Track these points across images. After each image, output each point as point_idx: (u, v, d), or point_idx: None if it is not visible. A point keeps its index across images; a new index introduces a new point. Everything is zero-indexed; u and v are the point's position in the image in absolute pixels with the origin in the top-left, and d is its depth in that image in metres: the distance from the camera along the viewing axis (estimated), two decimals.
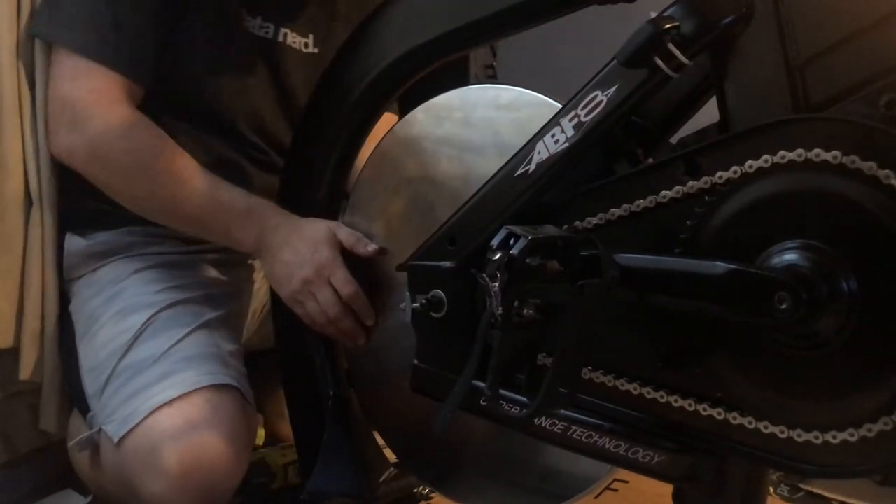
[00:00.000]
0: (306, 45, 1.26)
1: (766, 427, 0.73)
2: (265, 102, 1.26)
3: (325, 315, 1.06)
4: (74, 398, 1.17)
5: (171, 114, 1.18)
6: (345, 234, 1.06)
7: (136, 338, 1.11)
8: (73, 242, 1.20)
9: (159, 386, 1.05)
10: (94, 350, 1.14)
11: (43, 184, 1.15)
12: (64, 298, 1.21)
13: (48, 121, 1.12)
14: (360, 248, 1.06)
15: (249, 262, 1.33)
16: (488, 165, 0.92)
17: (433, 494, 1.19)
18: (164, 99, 1.18)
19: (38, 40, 1.14)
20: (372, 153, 1.11)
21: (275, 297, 1.19)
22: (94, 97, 1.10)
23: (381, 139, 1.10)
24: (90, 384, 1.12)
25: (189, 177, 1.10)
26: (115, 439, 1.04)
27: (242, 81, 1.22)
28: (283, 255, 1.07)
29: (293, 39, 1.25)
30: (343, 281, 1.05)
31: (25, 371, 1.17)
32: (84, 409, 1.14)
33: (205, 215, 1.11)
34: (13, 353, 1.18)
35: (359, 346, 1.08)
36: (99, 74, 1.10)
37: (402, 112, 1.12)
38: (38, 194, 1.15)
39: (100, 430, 1.08)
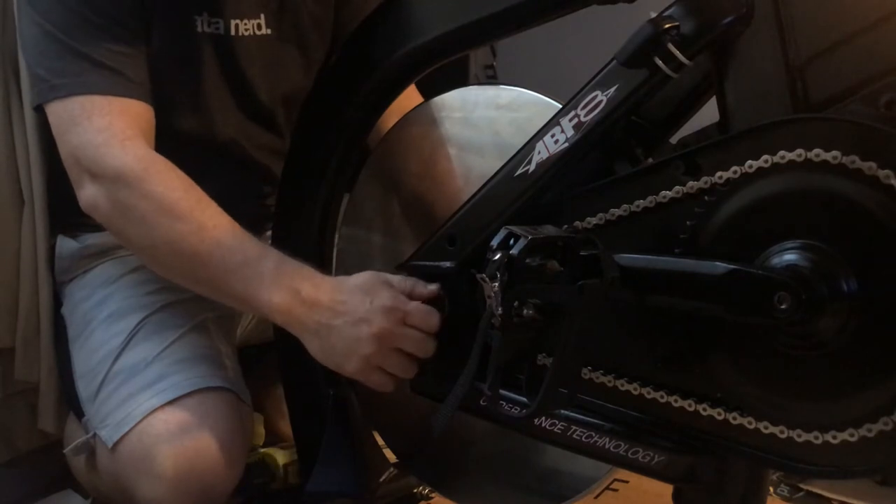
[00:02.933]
0: (258, 27, 1.17)
1: (766, 427, 0.73)
2: (225, 102, 1.19)
3: (415, 359, 0.91)
4: (69, 402, 1.17)
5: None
6: (397, 279, 0.92)
7: (128, 341, 1.10)
8: (65, 244, 1.20)
9: (152, 390, 1.05)
10: (87, 354, 1.13)
11: (34, 185, 1.15)
12: (56, 301, 1.21)
13: (71, 181, 1.04)
14: (421, 290, 0.92)
15: None
16: (488, 165, 0.92)
17: (433, 494, 1.19)
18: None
19: (21, 42, 1.12)
20: (373, 153, 1.11)
21: None
22: (104, 137, 1.00)
23: (382, 139, 1.10)
24: (83, 388, 1.12)
25: (217, 227, 0.98)
26: (110, 444, 1.04)
27: (201, 84, 1.16)
28: (329, 316, 0.92)
29: (245, 27, 1.15)
30: (424, 313, 0.90)
31: (21, 371, 1.17)
32: (79, 413, 1.13)
33: (230, 274, 0.96)
34: (12, 353, 1.18)
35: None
36: (102, 108, 1.01)
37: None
38: (30, 195, 1.15)
39: (94, 434, 1.08)
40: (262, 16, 1.17)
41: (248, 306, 1.00)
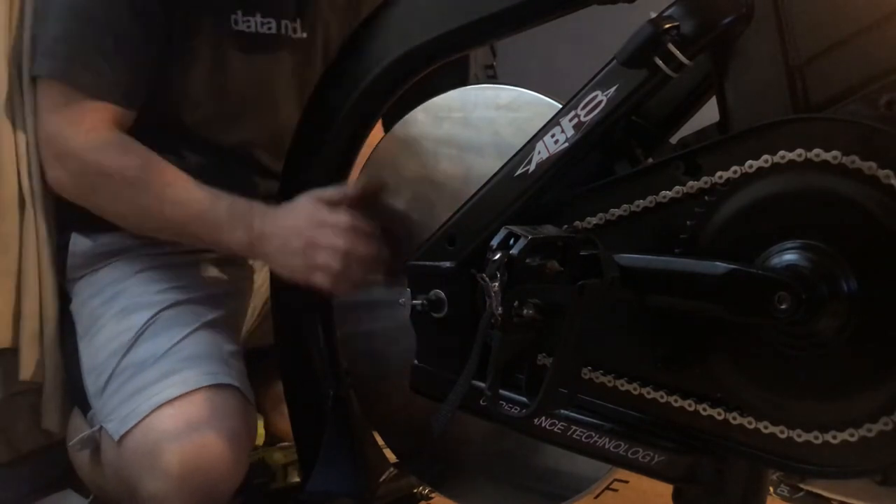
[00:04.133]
0: (294, 31, 1.23)
1: (766, 427, 0.73)
2: (250, 101, 1.23)
3: (340, 257, 1.02)
4: (75, 397, 1.17)
5: (162, 129, 1.17)
6: (327, 193, 1.05)
7: (138, 337, 1.11)
8: (79, 242, 1.20)
9: (160, 385, 1.05)
10: (95, 349, 1.14)
11: (35, 185, 1.15)
12: (65, 298, 1.21)
13: (40, 155, 1.13)
14: (343, 194, 1.05)
15: (250, 262, 1.33)
16: (488, 165, 0.92)
17: (433, 494, 1.19)
18: (155, 115, 1.16)
19: (30, 44, 1.13)
20: (372, 153, 1.11)
21: (275, 297, 1.19)
22: (74, 130, 1.10)
23: (381, 139, 1.10)
24: (91, 383, 1.12)
25: (173, 188, 1.10)
26: (116, 438, 1.04)
27: (227, 81, 1.20)
28: (271, 240, 1.06)
29: (278, 28, 1.22)
30: (335, 217, 1.03)
31: (25, 371, 1.17)
32: (85, 408, 1.14)
33: (192, 225, 1.10)
34: (14, 353, 1.18)
35: (388, 274, 1.05)
36: (81, 105, 1.10)
37: (386, 128, 1.12)
38: (31, 196, 1.15)
39: (100, 428, 1.08)
40: (298, 20, 1.23)
41: (219, 248, 1.14)
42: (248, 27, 1.19)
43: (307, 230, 1.04)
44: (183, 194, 1.09)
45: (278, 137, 1.22)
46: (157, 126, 1.16)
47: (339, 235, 1.02)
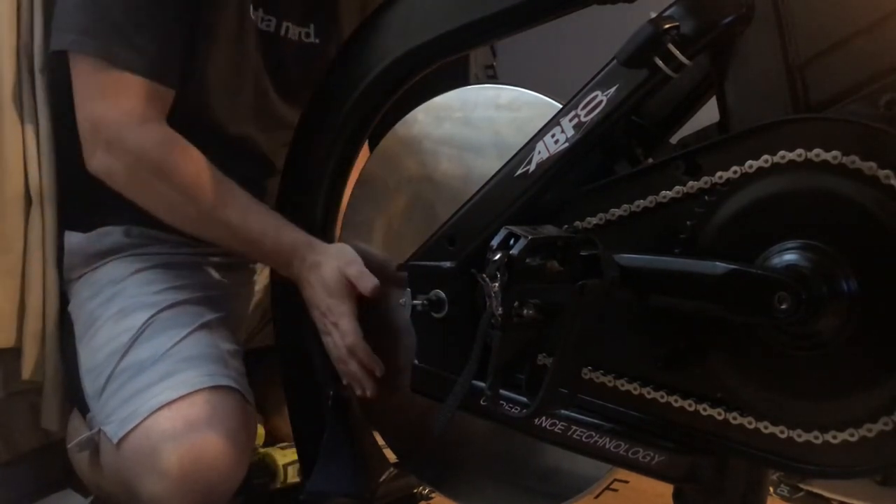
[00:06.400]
0: (307, 35, 1.25)
1: (766, 427, 0.73)
2: (267, 97, 1.24)
3: (334, 353, 1.07)
4: (74, 399, 1.17)
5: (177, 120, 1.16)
6: (354, 271, 1.05)
7: (136, 338, 1.10)
8: (73, 239, 1.20)
9: (159, 386, 1.05)
10: (94, 350, 1.13)
11: (44, 182, 1.15)
12: (63, 299, 1.21)
13: (82, 140, 1.09)
14: (361, 285, 1.05)
15: (250, 265, 1.33)
16: (488, 165, 0.92)
17: (433, 494, 1.19)
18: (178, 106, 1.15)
19: (37, 39, 1.13)
20: (372, 153, 1.11)
21: (275, 298, 1.20)
22: (127, 119, 1.07)
23: (382, 139, 1.10)
24: (90, 385, 1.12)
25: (228, 201, 1.09)
26: (115, 440, 1.04)
27: (248, 77, 1.21)
28: (308, 292, 1.08)
29: (293, 32, 1.23)
30: (344, 331, 1.05)
31: (27, 371, 1.17)
32: (84, 409, 1.13)
33: (242, 244, 1.11)
34: (15, 352, 1.18)
35: (369, 395, 1.07)
36: (130, 89, 1.07)
37: (371, 146, 1.13)
38: (39, 193, 1.15)
39: (99, 430, 1.08)
40: (312, 25, 1.24)
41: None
42: (268, 27, 1.20)
43: (322, 312, 1.07)
44: (238, 218, 1.09)
45: (283, 135, 1.22)
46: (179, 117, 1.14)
47: (337, 348, 1.06)
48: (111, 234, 1.20)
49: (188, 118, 1.14)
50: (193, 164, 1.09)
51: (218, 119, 1.20)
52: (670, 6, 0.77)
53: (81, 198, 1.18)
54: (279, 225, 1.10)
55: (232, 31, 1.16)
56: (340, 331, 1.05)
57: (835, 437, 0.69)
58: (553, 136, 0.83)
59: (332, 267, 1.06)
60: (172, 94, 1.12)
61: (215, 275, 1.26)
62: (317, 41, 1.26)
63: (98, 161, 1.09)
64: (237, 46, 1.18)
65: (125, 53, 1.06)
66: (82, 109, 1.09)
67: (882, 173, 0.65)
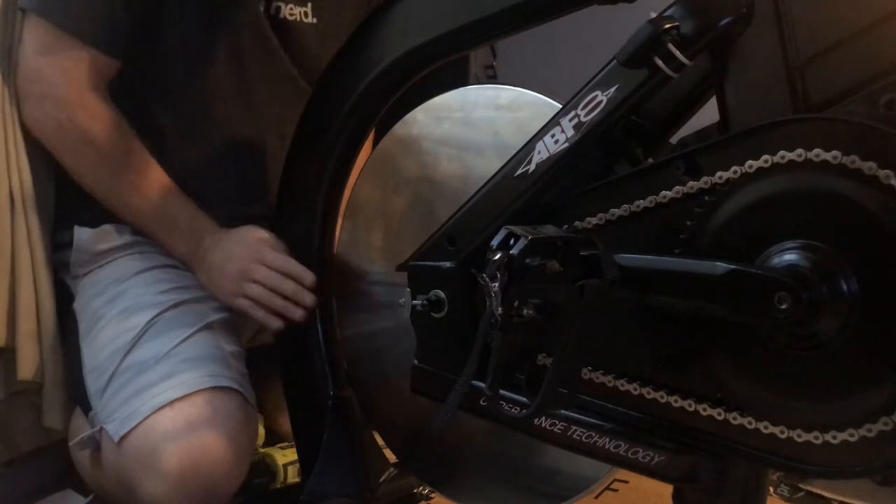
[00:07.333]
0: (305, 15, 1.25)
1: (766, 427, 0.73)
2: (261, 81, 1.24)
3: (268, 291, 1.10)
4: (77, 397, 1.17)
5: (162, 106, 1.20)
6: (266, 234, 1.13)
7: (139, 338, 1.10)
8: (82, 234, 1.20)
9: (161, 386, 1.05)
10: (97, 349, 1.13)
11: (24, 184, 1.15)
12: (66, 296, 1.21)
13: (18, 90, 1.13)
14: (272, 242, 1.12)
15: None
16: (488, 165, 0.93)
17: (433, 494, 1.19)
18: (153, 91, 1.19)
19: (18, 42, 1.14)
20: (372, 153, 1.11)
21: None
22: (66, 78, 1.12)
23: (382, 139, 1.10)
24: (92, 383, 1.12)
25: (148, 182, 1.15)
26: (116, 438, 1.04)
27: (237, 62, 1.21)
28: (213, 256, 1.14)
29: (291, 12, 1.23)
30: (272, 257, 1.11)
31: (23, 371, 1.17)
32: (86, 407, 1.13)
33: (151, 222, 1.17)
34: (14, 353, 1.18)
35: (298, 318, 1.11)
36: (72, 51, 1.11)
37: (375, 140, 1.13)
38: (21, 196, 1.15)
39: (101, 429, 1.08)
40: (310, 4, 1.24)
41: (167, 249, 1.19)
42: (266, 9, 1.20)
43: (245, 260, 1.12)
44: (154, 191, 1.15)
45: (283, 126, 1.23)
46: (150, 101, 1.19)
47: (270, 278, 1.10)
48: (118, 232, 1.20)
49: (189, 107, 1.20)
50: (123, 136, 1.14)
51: (219, 112, 1.21)
52: (670, 6, 0.77)
53: (87, 194, 1.18)
54: (195, 208, 1.17)
55: (225, 13, 1.18)
56: (266, 260, 1.10)
57: (835, 438, 0.69)
58: (553, 136, 0.83)
59: (245, 228, 1.14)
60: (116, 67, 1.15)
61: None
62: (314, 21, 1.25)
63: (31, 109, 1.13)
64: (231, 30, 1.19)
65: (77, 20, 1.11)
66: (25, 59, 1.13)
67: (882, 173, 0.65)
